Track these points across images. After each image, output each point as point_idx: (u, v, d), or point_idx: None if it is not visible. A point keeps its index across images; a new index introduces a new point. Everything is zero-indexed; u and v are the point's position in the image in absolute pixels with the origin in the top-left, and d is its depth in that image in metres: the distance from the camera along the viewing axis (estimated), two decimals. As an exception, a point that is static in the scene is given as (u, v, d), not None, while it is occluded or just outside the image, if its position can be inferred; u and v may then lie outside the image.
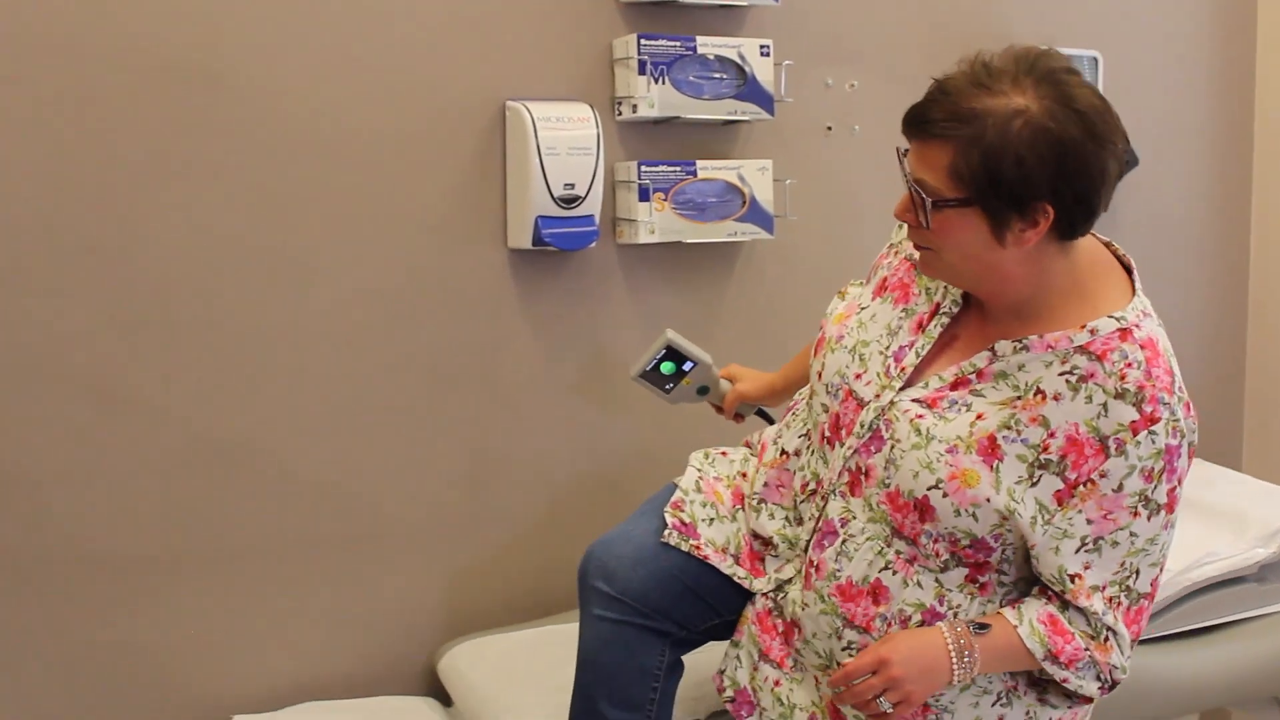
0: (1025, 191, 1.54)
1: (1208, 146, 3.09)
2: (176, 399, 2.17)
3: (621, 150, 2.45)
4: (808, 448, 1.88)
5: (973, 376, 1.69)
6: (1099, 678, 1.69)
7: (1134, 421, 1.58)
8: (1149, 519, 1.62)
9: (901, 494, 1.68)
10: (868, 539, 1.73)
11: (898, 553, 1.71)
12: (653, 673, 1.87)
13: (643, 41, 2.36)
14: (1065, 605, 1.67)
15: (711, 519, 1.95)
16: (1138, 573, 1.65)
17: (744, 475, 2.01)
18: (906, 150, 1.64)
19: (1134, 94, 2.95)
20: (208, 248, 2.17)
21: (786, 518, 1.90)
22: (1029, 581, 1.73)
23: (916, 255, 1.72)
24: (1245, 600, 2.42)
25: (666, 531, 1.91)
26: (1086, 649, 1.66)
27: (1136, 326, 1.64)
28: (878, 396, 1.73)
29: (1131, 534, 1.62)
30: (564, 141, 2.30)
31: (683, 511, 1.94)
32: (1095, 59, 2.78)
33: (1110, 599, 1.65)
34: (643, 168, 2.38)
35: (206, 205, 2.16)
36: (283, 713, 2.22)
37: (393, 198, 2.29)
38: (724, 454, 2.06)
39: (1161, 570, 1.69)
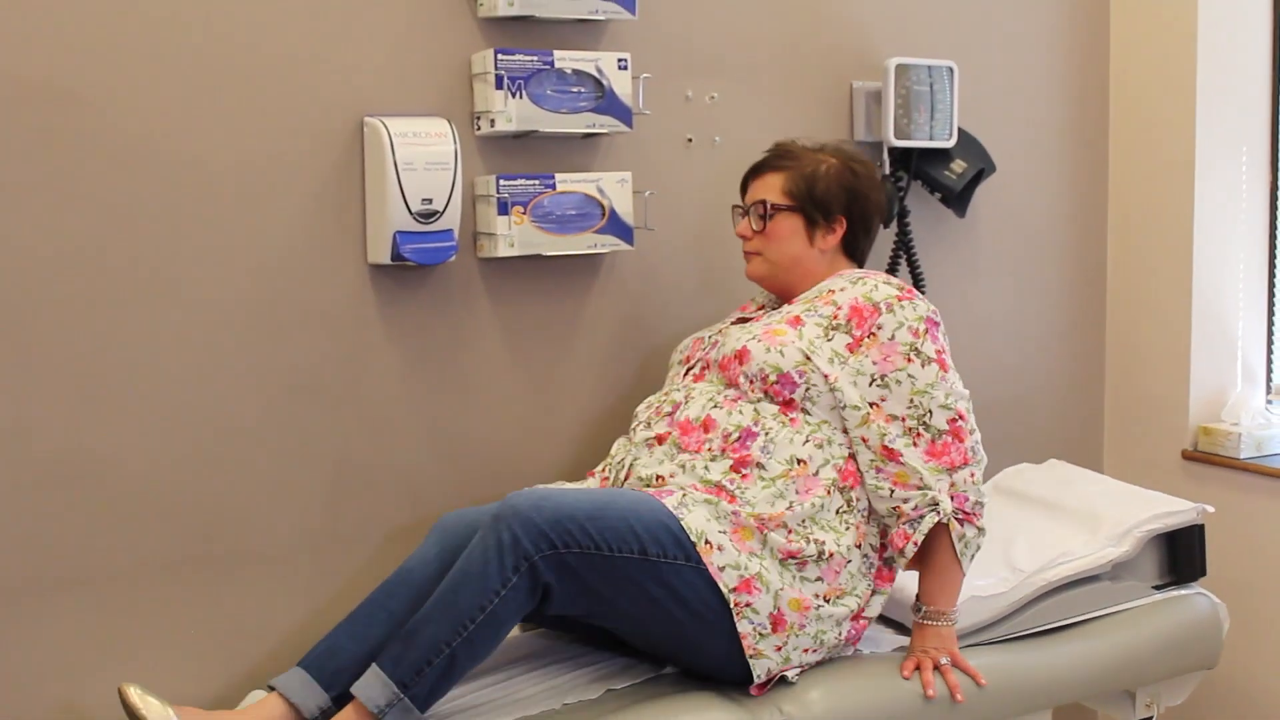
0: (830, 204, 2.37)
1: (1064, 153, 3.17)
2: (28, 418, 2.14)
3: (482, 164, 2.46)
4: (660, 394, 2.39)
5: (784, 306, 2.34)
6: (939, 508, 2.19)
7: (898, 294, 2.25)
8: (922, 367, 2.21)
9: (727, 354, 2.27)
10: (705, 396, 2.26)
11: (725, 396, 2.24)
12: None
13: (500, 56, 2.36)
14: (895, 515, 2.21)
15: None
16: (930, 412, 2.20)
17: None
18: (741, 205, 2.44)
19: (990, 102, 3.01)
20: (60, 266, 2.14)
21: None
22: (832, 425, 2.21)
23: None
24: (1099, 598, 2.48)
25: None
26: (917, 508, 2.19)
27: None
28: (720, 332, 2.40)
29: (910, 376, 2.20)
30: (421, 157, 2.31)
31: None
32: (951, 69, 2.83)
33: (909, 429, 2.19)
34: (501, 182, 2.39)
35: (59, 223, 2.13)
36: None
37: (250, 213, 2.28)
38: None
39: (961, 417, 2.21)
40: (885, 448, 2.19)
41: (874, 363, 2.21)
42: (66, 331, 2.16)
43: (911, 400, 2.20)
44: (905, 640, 2.34)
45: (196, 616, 2.30)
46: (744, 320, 2.43)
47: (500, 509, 2.01)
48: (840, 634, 2.19)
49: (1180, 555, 2.59)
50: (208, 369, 2.27)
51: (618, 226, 2.50)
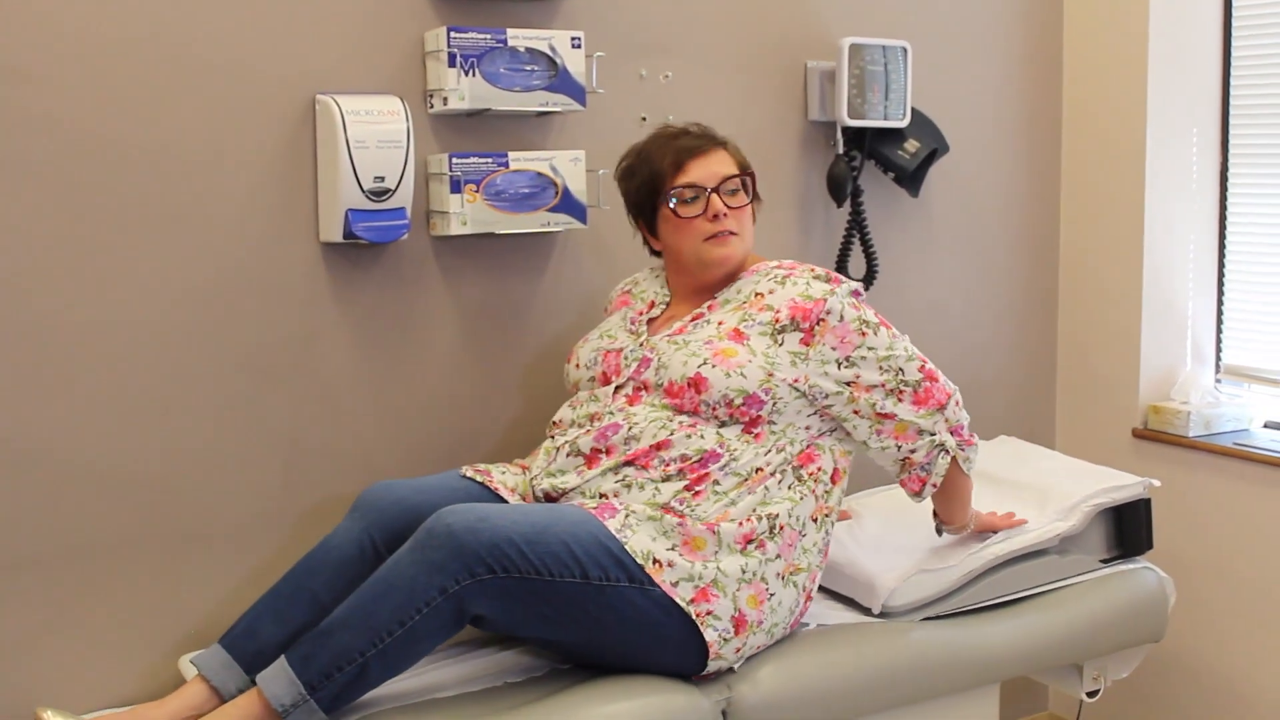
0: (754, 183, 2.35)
1: (1017, 132, 3.19)
2: (-23, 400, 2.14)
3: (434, 142, 2.46)
4: (571, 409, 2.31)
5: (705, 310, 2.29)
6: (946, 447, 2.28)
7: (828, 285, 2.23)
8: (875, 334, 2.22)
9: (676, 382, 2.18)
10: (651, 421, 2.17)
11: (680, 423, 2.16)
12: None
13: (453, 34, 2.36)
14: (901, 465, 2.31)
15: (505, 472, 2.30)
16: (901, 370, 2.24)
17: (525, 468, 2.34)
18: (677, 191, 2.28)
19: (943, 82, 3.03)
20: (5, 246, 2.13)
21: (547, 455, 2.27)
22: (796, 428, 2.21)
23: (721, 245, 2.29)
24: (1046, 572, 2.51)
25: (464, 469, 2.29)
26: (928, 454, 2.28)
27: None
28: (641, 344, 2.29)
29: (870, 348, 2.22)
30: (373, 135, 2.31)
31: (478, 466, 2.31)
32: (905, 49, 2.85)
33: (891, 390, 2.22)
34: (454, 160, 2.39)
35: (3, 202, 2.12)
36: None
37: (201, 191, 2.27)
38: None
39: (925, 361, 2.27)
40: (878, 414, 2.23)
41: (833, 348, 2.19)
42: (16, 313, 2.15)
43: (881, 366, 2.22)
44: (851, 616, 2.38)
45: (146, 595, 2.30)
46: (651, 321, 2.36)
47: (434, 525, 1.96)
48: (789, 620, 2.20)
49: (1127, 529, 2.62)
50: (158, 348, 2.27)
51: (571, 205, 2.51)
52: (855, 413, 2.23)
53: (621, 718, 2.03)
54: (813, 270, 2.27)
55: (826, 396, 2.21)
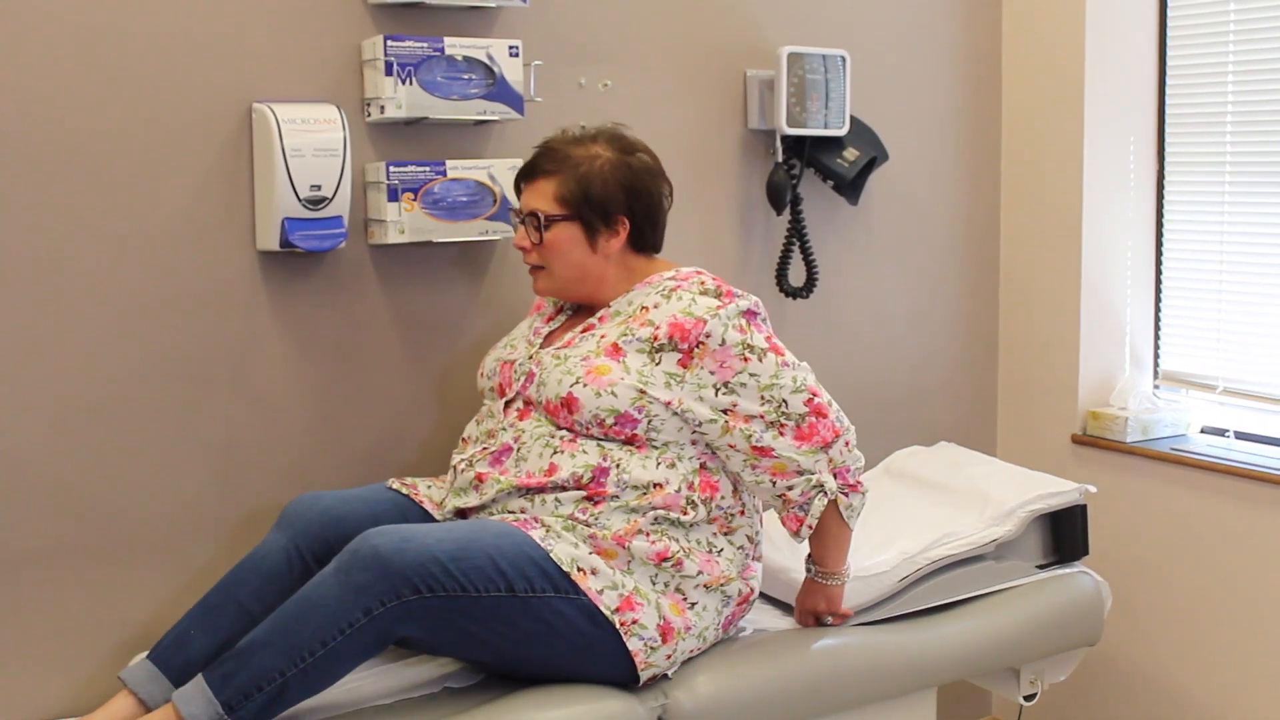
0: (608, 206, 2.22)
1: (957, 141, 3.21)
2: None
3: (372, 151, 2.46)
4: (476, 424, 2.33)
5: (595, 322, 2.25)
6: (825, 488, 2.19)
7: (718, 304, 2.15)
8: (760, 361, 2.14)
9: (552, 401, 2.15)
10: (535, 439, 2.17)
11: (562, 438, 2.15)
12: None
13: (389, 43, 2.36)
14: (779, 499, 2.21)
15: (431, 486, 2.32)
16: (784, 402, 2.15)
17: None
18: (517, 209, 2.31)
19: (882, 91, 3.05)
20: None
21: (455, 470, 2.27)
22: (681, 444, 2.16)
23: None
24: (982, 578, 2.53)
25: (391, 481, 2.32)
26: (804, 493, 2.19)
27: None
28: (530, 358, 2.26)
29: (752, 375, 2.14)
30: (310, 143, 2.30)
31: (406, 479, 2.33)
32: (843, 58, 2.86)
33: (771, 423, 2.14)
34: (391, 168, 2.39)
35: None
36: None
37: (136, 199, 2.26)
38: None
39: (815, 395, 2.17)
40: (754, 447, 2.15)
41: (711, 372, 2.13)
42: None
43: (763, 396, 2.14)
44: (787, 622, 2.40)
45: (80, 606, 2.29)
46: (550, 335, 2.34)
47: (360, 546, 1.94)
48: (719, 622, 2.20)
49: (1063, 535, 2.65)
50: (92, 356, 2.25)
51: (509, 213, 2.51)
52: (730, 445, 2.16)
53: (556, 725, 2.04)
54: (703, 284, 2.21)
55: (700, 424, 2.15)
